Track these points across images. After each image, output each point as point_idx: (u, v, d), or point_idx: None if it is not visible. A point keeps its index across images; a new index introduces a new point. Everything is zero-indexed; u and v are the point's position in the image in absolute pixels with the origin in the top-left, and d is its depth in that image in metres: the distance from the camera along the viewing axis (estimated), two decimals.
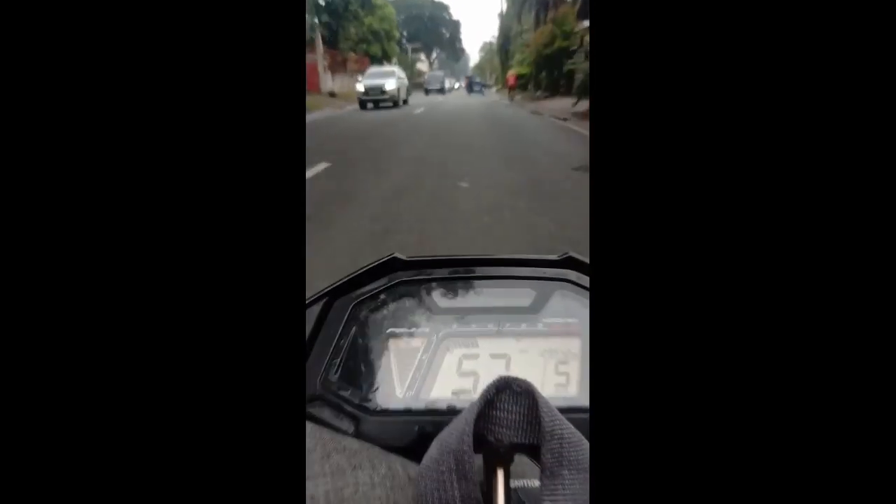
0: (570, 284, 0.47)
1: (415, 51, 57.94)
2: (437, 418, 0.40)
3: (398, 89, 15.57)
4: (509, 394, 0.26)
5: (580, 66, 13.09)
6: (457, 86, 51.49)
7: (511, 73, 22.53)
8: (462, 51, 72.87)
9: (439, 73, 32.17)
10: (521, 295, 0.47)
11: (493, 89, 36.86)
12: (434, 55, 68.33)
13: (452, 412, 0.40)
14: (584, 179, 3.92)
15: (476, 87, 30.35)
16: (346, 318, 0.46)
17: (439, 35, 66.29)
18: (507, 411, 0.26)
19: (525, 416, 0.26)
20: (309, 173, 4.45)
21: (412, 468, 0.31)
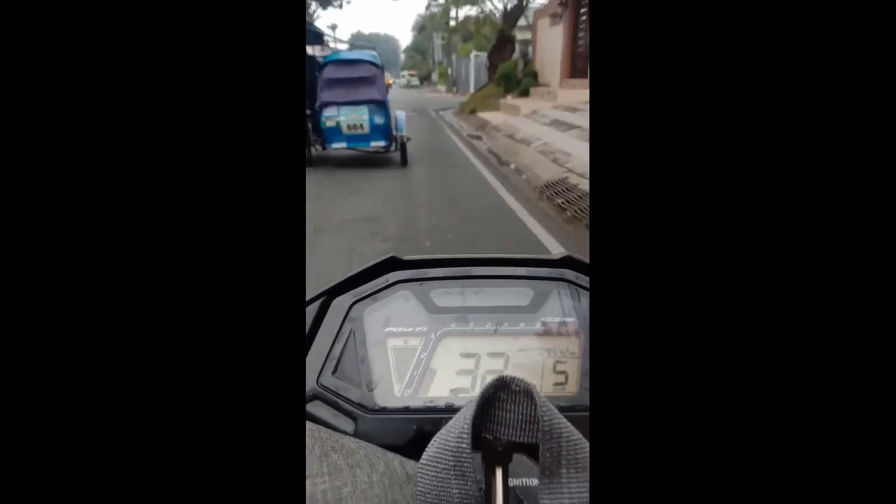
0: (568, 284, 0.47)
1: None
2: (436, 417, 0.40)
3: None
4: (508, 393, 0.26)
5: None
6: None
7: None
8: None
9: None
10: (519, 294, 0.47)
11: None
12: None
13: (451, 411, 0.40)
14: None
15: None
16: (344, 317, 0.46)
17: None
18: (506, 410, 0.26)
19: (524, 414, 0.26)
20: None
21: (410, 467, 0.31)
